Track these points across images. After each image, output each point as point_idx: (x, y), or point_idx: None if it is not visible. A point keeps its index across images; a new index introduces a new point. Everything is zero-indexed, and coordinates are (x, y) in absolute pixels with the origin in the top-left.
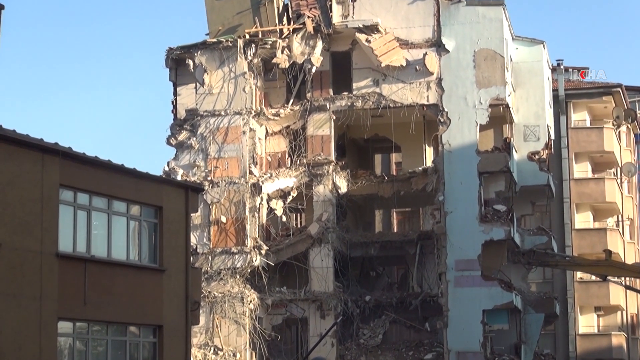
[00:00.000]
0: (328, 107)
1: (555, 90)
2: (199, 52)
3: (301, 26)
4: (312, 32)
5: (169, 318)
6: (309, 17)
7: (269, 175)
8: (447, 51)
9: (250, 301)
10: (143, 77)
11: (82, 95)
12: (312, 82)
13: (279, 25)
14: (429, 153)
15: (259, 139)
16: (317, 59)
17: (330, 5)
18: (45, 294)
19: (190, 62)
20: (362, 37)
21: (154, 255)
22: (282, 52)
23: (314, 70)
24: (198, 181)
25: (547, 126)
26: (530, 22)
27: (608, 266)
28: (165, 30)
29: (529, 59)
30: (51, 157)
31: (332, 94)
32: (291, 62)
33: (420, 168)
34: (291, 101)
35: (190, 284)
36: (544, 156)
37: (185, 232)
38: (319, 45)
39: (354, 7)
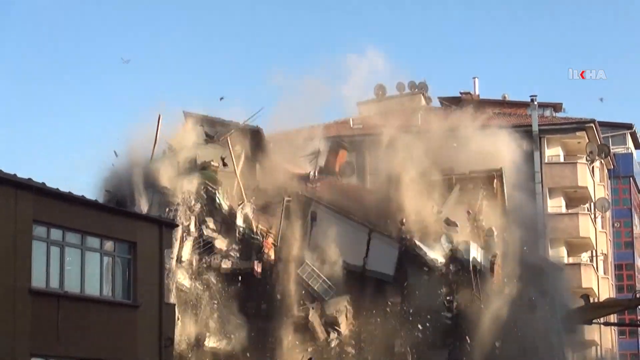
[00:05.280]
0: None
1: (529, 126)
2: None
3: None
4: None
5: (143, 354)
6: None
7: None
8: None
9: None
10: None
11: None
12: None
13: None
14: None
15: None
16: None
17: None
18: (18, 330)
19: None
20: None
21: (128, 291)
22: None
23: None
24: None
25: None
26: (503, 58)
27: (592, 310)
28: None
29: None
30: (24, 192)
31: None
32: None
33: None
34: None
35: (164, 320)
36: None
37: (159, 268)
38: None
39: None
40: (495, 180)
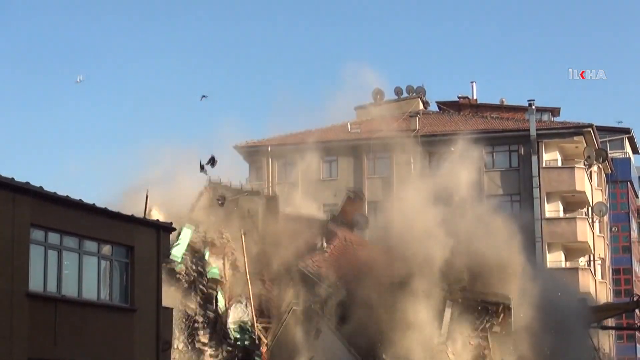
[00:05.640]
0: None
1: (526, 130)
2: None
3: None
4: None
5: (140, 358)
6: None
7: None
8: None
9: None
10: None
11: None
12: None
13: None
14: None
15: None
16: None
17: None
18: (15, 333)
19: None
20: None
21: (125, 295)
22: None
23: None
24: None
25: None
26: (501, 62)
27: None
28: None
29: None
30: (22, 196)
31: None
32: None
33: None
34: None
35: (162, 324)
36: None
37: (156, 271)
38: None
39: None
40: (501, 310)
